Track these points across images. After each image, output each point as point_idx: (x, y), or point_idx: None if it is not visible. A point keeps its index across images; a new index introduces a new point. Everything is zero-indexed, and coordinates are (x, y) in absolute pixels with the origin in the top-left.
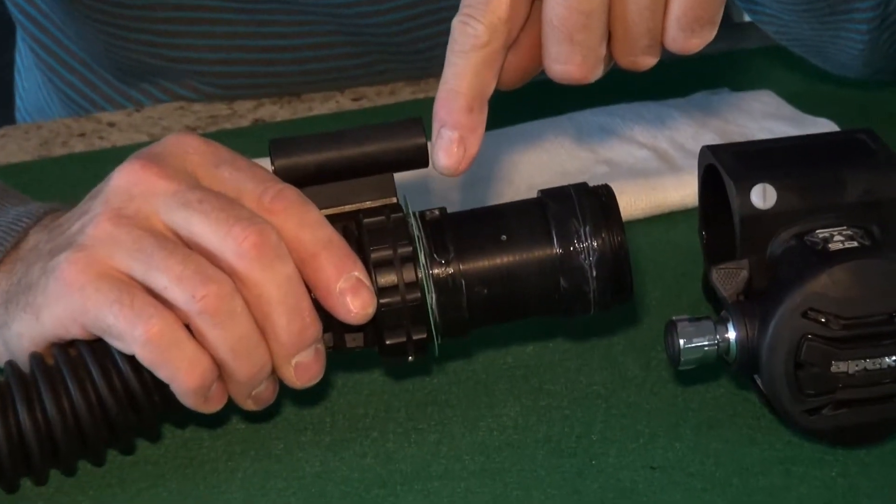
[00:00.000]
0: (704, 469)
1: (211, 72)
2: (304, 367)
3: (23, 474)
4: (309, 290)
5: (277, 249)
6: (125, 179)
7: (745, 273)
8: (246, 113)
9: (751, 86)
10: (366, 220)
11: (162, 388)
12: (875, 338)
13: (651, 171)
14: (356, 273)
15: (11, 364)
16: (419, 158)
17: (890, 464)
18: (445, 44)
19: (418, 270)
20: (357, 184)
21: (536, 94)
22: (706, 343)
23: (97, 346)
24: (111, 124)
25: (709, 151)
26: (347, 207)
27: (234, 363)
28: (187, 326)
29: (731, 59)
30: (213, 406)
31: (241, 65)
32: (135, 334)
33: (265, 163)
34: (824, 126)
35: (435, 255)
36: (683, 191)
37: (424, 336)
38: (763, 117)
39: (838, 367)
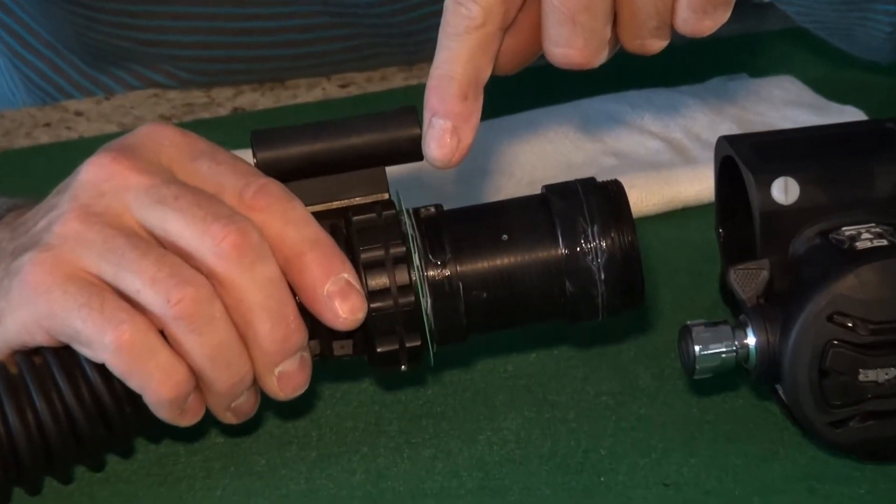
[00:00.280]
0: (722, 486)
1: (187, 56)
2: (288, 377)
3: None
4: (294, 294)
5: (259, 249)
6: (94, 173)
7: (765, 274)
8: (225, 101)
9: (771, 71)
10: (355, 218)
11: (134, 399)
12: None
13: (664, 163)
14: (345, 275)
15: None
16: (413, 151)
17: None
18: (438, 27)
19: (412, 272)
20: (346, 178)
21: (538, 80)
22: (723, 350)
23: (64, 354)
24: (79, 113)
25: (726, 142)
26: (335, 204)
27: (212, 372)
28: (162, 333)
29: (749, 42)
30: (190, 419)
31: (220, 48)
32: (105, 341)
33: (246, 155)
34: (851, 114)
35: (430, 256)
36: (699, 185)
37: (418, 343)
38: (784, 105)
39: (867, 375)
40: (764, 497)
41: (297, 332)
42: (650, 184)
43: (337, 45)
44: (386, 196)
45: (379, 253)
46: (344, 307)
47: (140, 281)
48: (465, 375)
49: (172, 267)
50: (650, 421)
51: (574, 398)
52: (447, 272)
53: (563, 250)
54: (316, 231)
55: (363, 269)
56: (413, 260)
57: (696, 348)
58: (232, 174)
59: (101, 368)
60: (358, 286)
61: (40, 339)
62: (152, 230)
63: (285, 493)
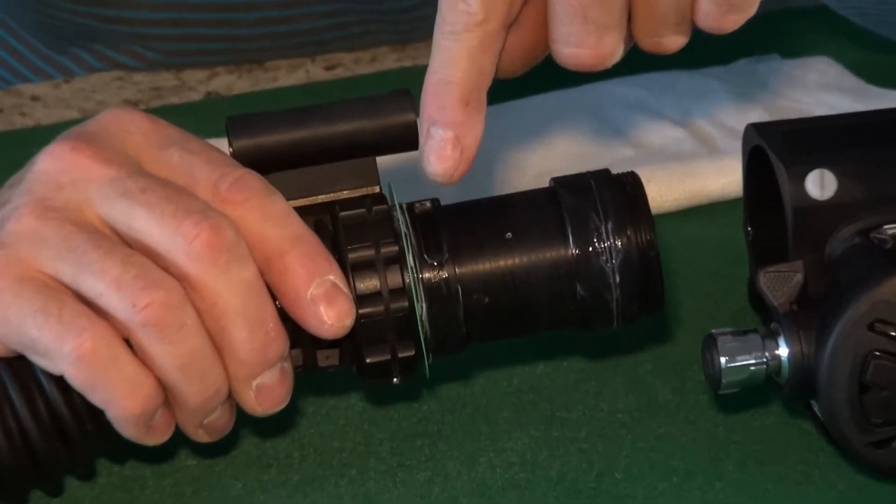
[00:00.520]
0: None
1: (155, 34)
2: (267, 391)
3: None
4: (274, 298)
5: (236, 249)
6: (52, 164)
7: (798, 277)
8: (197, 84)
9: (805, 52)
10: (342, 214)
11: (96, 415)
12: None
13: (685, 154)
14: (331, 277)
15: None
16: (407, 139)
17: None
18: (436, 1)
19: (405, 274)
20: (332, 169)
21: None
22: (752, 362)
23: (18, 365)
24: (35, 98)
25: (755, 130)
26: (321, 198)
27: (183, 385)
28: (127, 341)
29: (781, 20)
30: (158, 437)
31: (192, 26)
32: (63, 350)
33: (221, 144)
34: (894, 100)
35: (425, 256)
36: (725, 178)
37: (412, 353)
38: (820, 89)
39: None
40: None
41: (278, 340)
42: (670, 176)
43: (322, 21)
44: (377, 189)
45: (369, 252)
46: (329, 313)
47: (103, 283)
48: (464, 390)
49: (139, 268)
50: (670, 441)
51: (586, 415)
52: (444, 274)
53: (573, 250)
54: (298, 228)
55: (351, 270)
56: (406, 260)
57: (722, 360)
58: (205, 165)
59: (60, 381)
60: (345, 289)
61: None
62: (116, 227)
63: None
